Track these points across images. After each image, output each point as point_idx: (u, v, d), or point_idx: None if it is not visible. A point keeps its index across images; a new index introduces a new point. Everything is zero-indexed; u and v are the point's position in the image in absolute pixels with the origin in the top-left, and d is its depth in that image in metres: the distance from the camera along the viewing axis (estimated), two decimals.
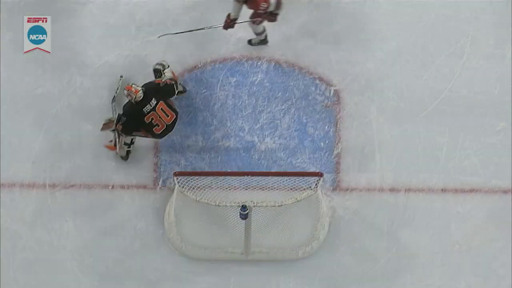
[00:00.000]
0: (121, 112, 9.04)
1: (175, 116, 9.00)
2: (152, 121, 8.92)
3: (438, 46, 9.59)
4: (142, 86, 8.88)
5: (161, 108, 8.91)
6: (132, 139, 9.24)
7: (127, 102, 8.95)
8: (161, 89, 8.95)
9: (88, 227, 9.36)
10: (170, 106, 8.97)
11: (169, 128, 9.00)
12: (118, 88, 9.38)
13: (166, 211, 9.33)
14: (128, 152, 9.37)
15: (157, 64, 9.23)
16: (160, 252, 9.34)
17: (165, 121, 8.95)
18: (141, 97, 8.81)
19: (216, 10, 9.54)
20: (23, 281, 9.29)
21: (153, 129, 8.96)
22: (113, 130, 9.15)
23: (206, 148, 9.47)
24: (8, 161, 9.42)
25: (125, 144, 9.26)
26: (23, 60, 9.58)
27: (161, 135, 9.04)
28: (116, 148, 9.28)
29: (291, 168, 9.40)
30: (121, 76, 9.43)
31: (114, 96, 9.37)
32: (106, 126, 9.20)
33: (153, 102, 8.87)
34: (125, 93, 8.84)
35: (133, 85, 8.83)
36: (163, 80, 9.01)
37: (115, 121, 9.06)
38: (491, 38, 9.60)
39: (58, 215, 9.37)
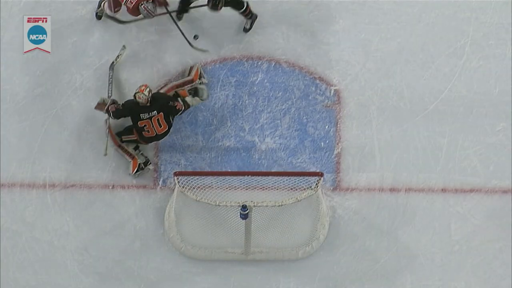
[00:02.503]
0: (119, 98, 9.16)
1: (167, 129, 9.09)
2: (144, 127, 9.05)
3: (438, 46, 9.59)
4: (151, 94, 8.97)
5: (157, 119, 9.03)
6: (136, 145, 9.32)
7: (131, 100, 9.05)
8: (168, 106, 9.03)
9: (88, 227, 9.36)
10: (167, 120, 9.05)
11: (158, 137, 9.13)
12: (118, 56, 9.37)
13: (166, 211, 9.32)
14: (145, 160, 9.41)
15: (201, 88, 9.36)
16: (160, 252, 9.34)
17: (156, 131, 9.07)
18: (142, 99, 8.91)
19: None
20: (23, 281, 9.28)
21: (143, 132, 9.07)
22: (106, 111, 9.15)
23: (207, 148, 9.46)
24: (8, 161, 9.41)
25: (135, 152, 9.35)
26: (23, 60, 9.57)
27: (149, 140, 9.15)
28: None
29: (292, 168, 9.40)
30: (124, 46, 9.42)
31: (113, 63, 9.35)
32: (99, 106, 9.15)
33: (153, 113, 9.00)
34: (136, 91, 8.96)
35: (146, 87, 8.94)
36: (177, 102, 9.10)
37: (107, 104, 9.06)
38: (491, 38, 9.60)
39: (58, 215, 9.36)
